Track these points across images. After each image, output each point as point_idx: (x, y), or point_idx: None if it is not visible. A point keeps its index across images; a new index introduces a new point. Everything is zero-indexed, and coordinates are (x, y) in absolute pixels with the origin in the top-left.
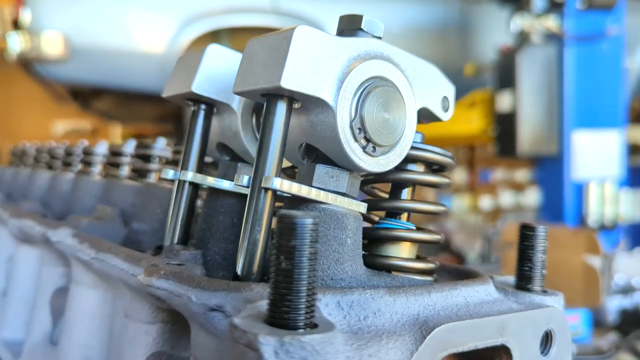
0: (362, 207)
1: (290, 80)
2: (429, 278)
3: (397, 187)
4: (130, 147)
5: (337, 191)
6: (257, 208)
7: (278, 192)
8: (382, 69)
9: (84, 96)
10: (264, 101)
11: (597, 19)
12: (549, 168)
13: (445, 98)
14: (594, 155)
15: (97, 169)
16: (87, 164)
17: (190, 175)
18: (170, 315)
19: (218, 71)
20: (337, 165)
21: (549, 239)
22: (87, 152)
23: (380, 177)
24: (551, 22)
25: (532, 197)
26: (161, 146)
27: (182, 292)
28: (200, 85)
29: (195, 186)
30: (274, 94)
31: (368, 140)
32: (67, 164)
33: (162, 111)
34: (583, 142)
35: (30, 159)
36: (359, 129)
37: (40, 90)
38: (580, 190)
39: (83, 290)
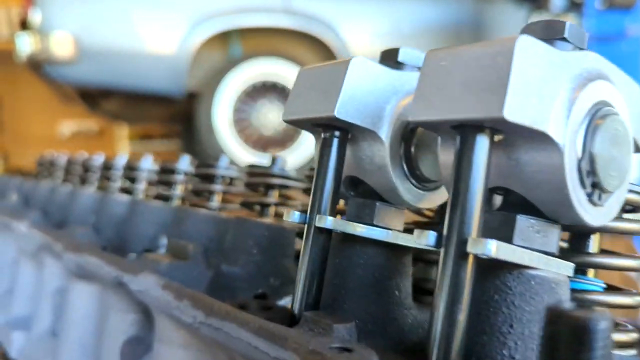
0: (570, 269)
1: (514, 110)
2: (631, 352)
3: (580, 234)
4: (184, 164)
5: (546, 251)
6: (456, 279)
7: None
8: (606, 92)
9: (92, 97)
10: (448, 133)
11: (616, 19)
12: None
13: None
14: None
15: (142, 186)
16: (131, 180)
17: (329, 220)
18: None
19: (363, 90)
20: (542, 215)
21: None
22: (131, 168)
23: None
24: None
25: None
26: (224, 165)
27: None
28: (343, 108)
29: (329, 233)
30: (475, 126)
31: (595, 185)
32: (106, 179)
33: (170, 112)
34: None
35: (61, 171)
36: (588, 171)
37: (47, 91)
38: None
39: (173, 350)
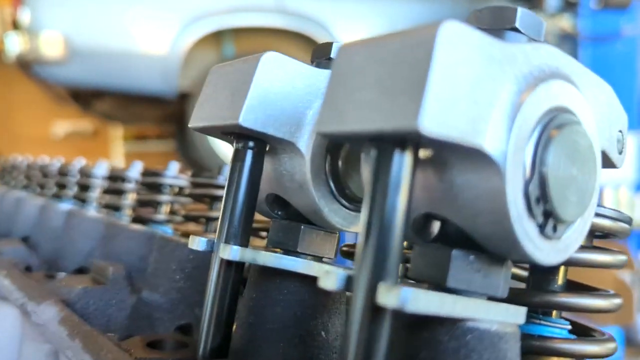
0: (522, 316)
1: (435, 120)
2: None
3: (542, 268)
4: (135, 171)
5: (487, 294)
6: (366, 334)
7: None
8: (563, 95)
9: (85, 97)
10: (366, 147)
11: (611, 19)
12: None
13: (620, 134)
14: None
15: (95, 194)
16: (84, 188)
17: (235, 251)
18: None
19: (276, 92)
20: (483, 249)
21: None
22: (85, 174)
23: None
24: (565, 22)
25: None
26: (172, 174)
27: None
28: (250, 115)
29: (241, 264)
30: (393, 141)
31: (548, 214)
32: (62, 186)
33: (164, 112)
34: None
35: (21, 176)
36: (538, 197)
37: (40, 92)
38: None
39: None
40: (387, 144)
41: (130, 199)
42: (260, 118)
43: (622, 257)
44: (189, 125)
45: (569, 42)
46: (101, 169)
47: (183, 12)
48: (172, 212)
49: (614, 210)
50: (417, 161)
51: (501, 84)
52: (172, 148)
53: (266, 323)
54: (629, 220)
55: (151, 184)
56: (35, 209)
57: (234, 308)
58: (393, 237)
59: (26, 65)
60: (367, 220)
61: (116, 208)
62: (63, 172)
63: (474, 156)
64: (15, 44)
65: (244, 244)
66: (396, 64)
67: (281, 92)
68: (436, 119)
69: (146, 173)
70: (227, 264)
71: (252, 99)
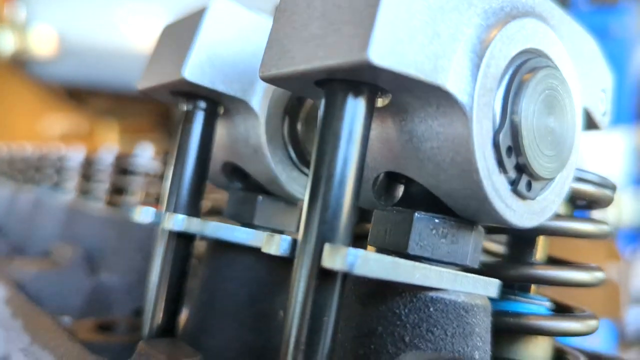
0: (493, 288)
1: (383, 52)
2: None
3: (519, 238)
4: (110, 156)
5: (454, 263)
6: (312, 303)
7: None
8: (538, 36)
9: (80, 94)
10: (316, 94)
11: (600, 20)
12: None
13: (604, 92)
14: (598, 156)
15: (72, 183)
16: (60, 176)
17: (180, 220)
18: None
19: (227, 45)
20: (450, 213)
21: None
22: (61, 162)
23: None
24: None
25: None
26: (147, 156)
27: None
28: (197, 68)
29: (190, 237)
30: (347, 80)
31: (521, 168)
32: (39, 173)
33: (159, 109)
34: (586, 143)
35: (3, 165)
36: (509, 147)
37: (34, 89)
38: None
39: None
40: (337, 87)
41: (104, 183)
42: (208, 73)
43: (604, 227)
44: (138, 88)
45: None
46: (77, 155)
47: (176, 9)
48: (149, 196)
49: (596, 174)
50: (372, 108)
51: (467, 16)
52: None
53: (219, 302)
54: (613, 187)
55: (123, 168)
56: (7, 196)
57: (182, 285)
58: (344, 193)
59: (20, 63)
60: (315, 175)
61: (90, 193)
62: (41, 159)
63: (436, 99)
64: (9, 41)
65: (194, 215)
66: None
67: (233, 45)
68: (389, 50)
69: (119, 156)
70: (175, 237)
71: (199, 51)
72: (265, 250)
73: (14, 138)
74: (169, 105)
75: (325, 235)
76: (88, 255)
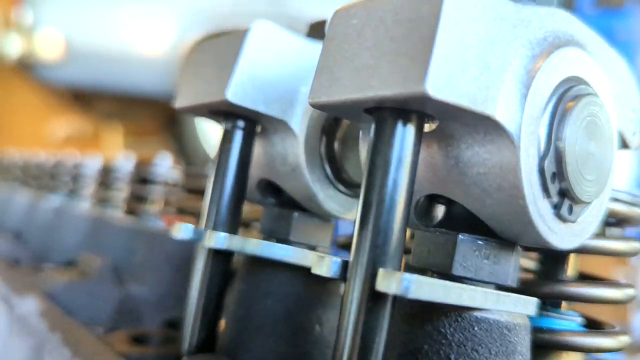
0: (532, 307)
1: (442, 84)
2: None
3: (551, 256)
4: (129, 164)
5: (495, 282)
6: (364, 325)
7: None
8: (579, 64)
9: (85, 97)
10: (363, 119)
11: (606, 22)
12: None
13: (634, 112)
14: None
15: (89, 191)
16: (77, 183)
17: (222, 238)
18: None
19: (268, 67)
20: (492, 234)
21: None
22: (78, 169)
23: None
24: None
25: None
26: (166, 165)
27: None
28: (239, 90)
29: (229, 253)
30: (396, 108)
31: (564, 193)
32: (54, 180)
33: (165, 112)
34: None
35: (17, 171)
36: (554, 174)
37: (40, 92)
38: None
39: None
40: (387, 115)
41: (122, 191)
42: (250, 94)
43: (636, 245)
44: (175, 106)
45: None
46: (94, 163)
47: (183, 14)
48: (168, 205)
49: (629, 193)
50: (421, 135)
51: (514, 47)
52: (172, 148)
53: (256, 317)
54: None
55: (142, 177)
56: (26, 203)
57: (220, 301)
58: (394, 218)
59: (26, 66)
60: (365, 200)
61: (108, 201)
62: (56, 166)
63: (484, 127)
64: (15, 45)
65: (233, 232)
66: (397, 24)
67: (273, 66)
68: (444, 83)
69: (138, 165)
70: (214, 254)
71: (241, 73)
72: (315, 271)
73: (20, 141)
74: (174, 109)
75: (377, 259)
76: (115, 266)
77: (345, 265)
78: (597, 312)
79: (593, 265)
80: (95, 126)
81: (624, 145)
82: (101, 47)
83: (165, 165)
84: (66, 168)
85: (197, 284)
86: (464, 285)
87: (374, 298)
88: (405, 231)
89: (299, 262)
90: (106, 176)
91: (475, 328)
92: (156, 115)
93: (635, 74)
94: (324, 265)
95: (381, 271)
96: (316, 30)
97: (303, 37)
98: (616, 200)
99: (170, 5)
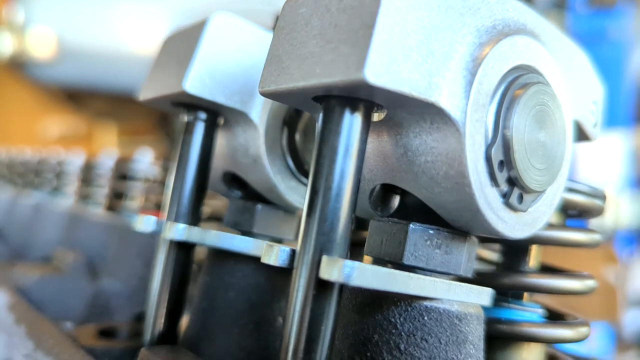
0: (486, 297)
1: (379, 71)
2: None
3: (513, 247)
4: (110, 161)
5: (448, 272)
6: (310, 313)
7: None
8: (530, 53)
9: (78, 96)
10: (314, 109)
11: (599, 21)
12: None
13: (594, 104)
14: (596, 159)
15: (72, 188)
16: (60, 180)
17: (181, 230)
18: None
19: (228, 58)
20: (445, 224)
21: (564, 251)
22: (61, 166)
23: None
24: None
25: None
26: (147, 161)
27: None
28: (197, 81)
29: (190, 245)
30: (344, 96)
31: (513, 182)
32: (39, 177)
33: (157, 111)
34: (584, 145)
35: (3, 169)
36: (501, 162)
37: (32, 91)
38: None
39: None
40: (334, 103)
41: (104, 188)
42: (209, 85)
43: (596, 236)
44: (140, 99)
45: None
46: (77, 160)
47: (175, 12)
48: (148, 201)
49: (587, 185)
50: (368, 123)
51: (460, 34)
52: (166, 147)
53: (219, 308)
54: (603, 196)
55: (122, 173)
56: (8, 200)
57: (182, 293)
58: (341, 206)
59: (18, 64)
60: (313, 188)
61: (90, 198)
62: (40, 163)
63: (430, 115)
64: (7, 43)
65: (194, 224)
66: (341, 12)
67: (233, 58)
68: (385, 69)
69: (118, 162)
70: (175, 245)
71: (199, 64)
72: (264, 260)
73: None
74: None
75: (323, 247)
76: (89, 261)
77: (293, 254)
78: (586, 308)
79: (584, 263)
80: (88, 125)
81: (584, 137)
82: (94, 46)
83: (146, 162)
84: (50, 165)
85: (158, 276)
86: (411, 274)
87: (319, 286)
88: (352, 219)
89: (257, 254)
90: (88, 173)
91: (425, 317)
92: (150, 114)
93: (625, 72)
94: (273, 254)
95: (324, 258)
96: None
97: (265, 29)
98: (575, 191)
99: (162, 4)
